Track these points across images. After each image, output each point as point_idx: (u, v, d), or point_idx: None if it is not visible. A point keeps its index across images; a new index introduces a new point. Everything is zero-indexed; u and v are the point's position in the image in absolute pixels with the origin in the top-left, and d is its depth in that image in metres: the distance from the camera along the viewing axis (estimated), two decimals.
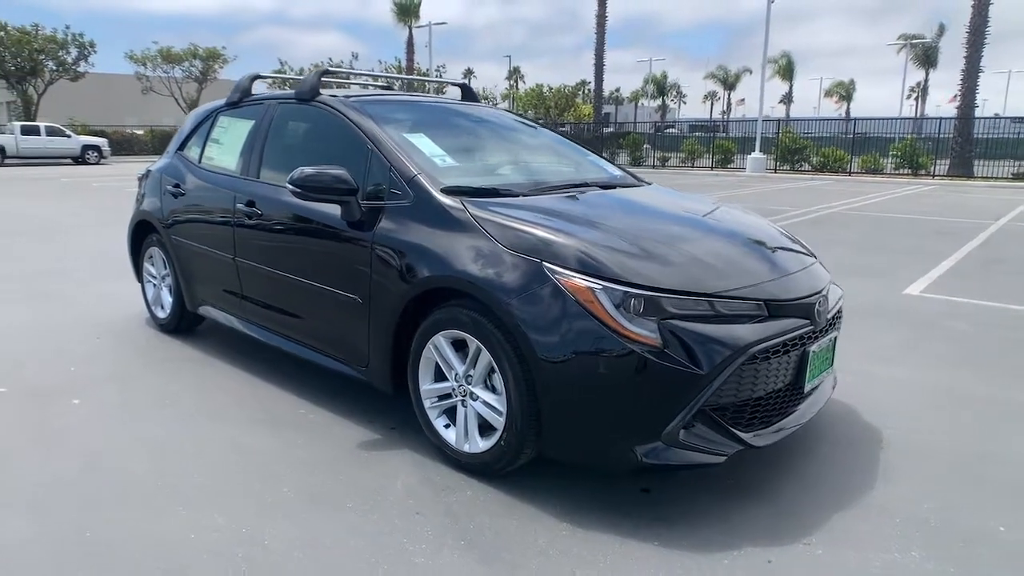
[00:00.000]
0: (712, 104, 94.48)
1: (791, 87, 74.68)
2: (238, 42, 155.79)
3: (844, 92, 75.25)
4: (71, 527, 2.36)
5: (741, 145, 28.67)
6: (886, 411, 3.38)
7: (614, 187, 3.49)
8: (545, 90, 67.29)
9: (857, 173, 24.11)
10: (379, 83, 5.18)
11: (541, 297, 2.37)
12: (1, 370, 3.87)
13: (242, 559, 2.18)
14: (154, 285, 4.65)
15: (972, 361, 4.18)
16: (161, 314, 4.59)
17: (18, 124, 26.71)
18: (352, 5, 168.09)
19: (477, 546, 2.27)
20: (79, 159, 26.90)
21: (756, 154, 25.46)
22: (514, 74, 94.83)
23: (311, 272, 3.23)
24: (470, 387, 2.64)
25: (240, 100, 4.11)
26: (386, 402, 3.29)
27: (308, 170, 2.93)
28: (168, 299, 4.47)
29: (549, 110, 64.59)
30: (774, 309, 2.48)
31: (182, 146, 4.44)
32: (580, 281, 2.33)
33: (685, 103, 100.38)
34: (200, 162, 4.20)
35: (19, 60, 30.67)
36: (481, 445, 2.62)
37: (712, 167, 27.62)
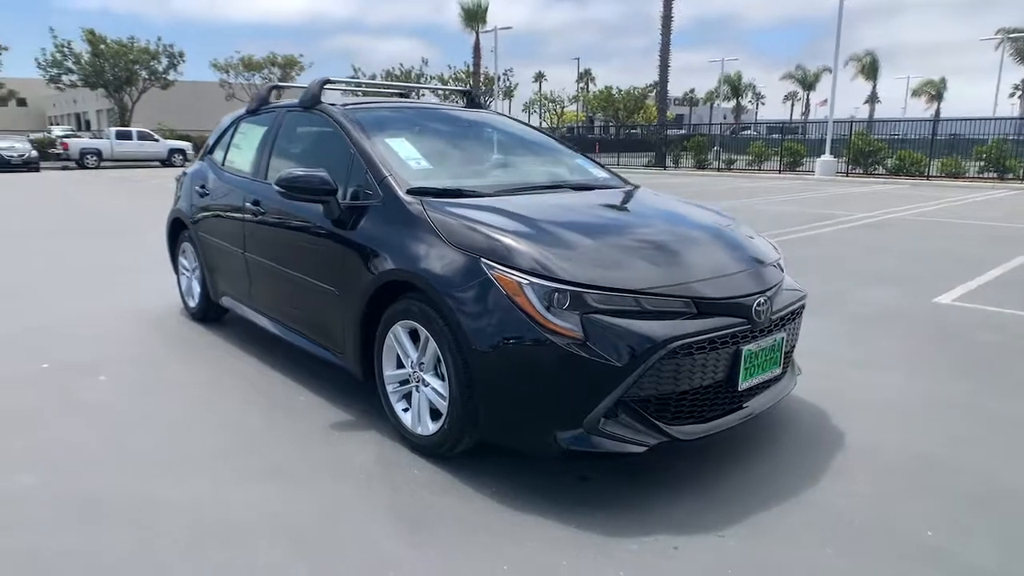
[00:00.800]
0: (792, 105, 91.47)
1: (875, 87, 71.32)
2: (317, 49, 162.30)
3: (934, 91, 71.22)
4: (71, 484, 2.70)
5: (813, 148, 27.72)
6: (858, 416, 3.36)
7: (590, 188, 3.62)
8: (614, 92, 66.89)
9: (936, 177, 22.90)
10: (392, 91, 5.45)
11: (476, 290, 2.54)
12: (49, 348, 4.35)
13: (205, 517, 2.46)
14: (187, 277, 5.07)
15: (978, 372, 4.05)
16: (191, 304, 5.01)
17: (113, 129, 28.82)
18: (425, 11, 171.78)
19: (409, 518, 2.47)
20: (166, 162, 28.76)
21: (826, 157, 24.59)
22: (584, 76, 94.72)
23: (300, 265, 3.51)
24: (422, 374, 2.84)
25: (258, 108, 4.45)
26: (369, 387, 3.53)
27: (292, 172, 3.21)
28: (197, 290, 4.87)
29: (618, 112, 64.17)
30: (704, 307, 2.56)
31: (211, 150, 4.84)
32: (509, 276, 2.49)
33: (763, 104, 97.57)
34: (223, 165, 4.57)
35: (117, 70, 33.06)
36: (431, 428, 2.82)
37: (780, 170, 26.83)
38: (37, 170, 25.69)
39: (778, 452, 3.00)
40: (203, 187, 4.64)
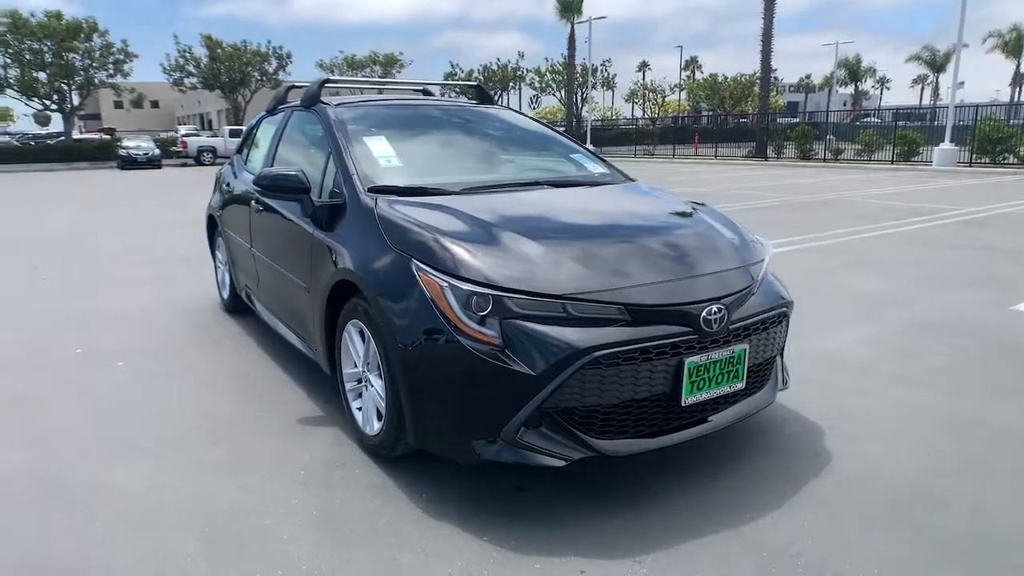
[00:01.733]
0: (921, 90, 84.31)
1: (1019, 66, 64.32)
2: (422, 47, 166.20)
3: None
4: (43, 465, 2.89)
5: (936, 135, 25.32)
6: (866, 440, 3.03)
7: (573, 185, 3.47)
8: (720, 79, 64.25)
9: None
10: (396, 88, 5.46)
11: (405, 291, 2.49)
12: (93, 335, 4.70)
13: (138, 503, 2.57)
14: (220, 270, 5.33)
15: None
16: (224, 296, 5.26)
17: (226, 128, 30.92)
18: (529, 5, 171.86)
19: (325, 515, 2.47)
20: None
21: (945, 145, 22.43)
22: (691, 64, 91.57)
23: (285, 262, 3.60)
24: (368, 374, 2.82)
25: (275, 108, 4.59)
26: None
27: (269, 170, 3.29)
28: (228, 282, 5.11)
29: (724, 101, 61.63)
30: (639, 314, 2.38)
31: (239, 149, 5.05)
32: (432, 277, 2.42)
33: (888, 89, 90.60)
34: (245, 163, 4.76)
35: (231, 72, 35.39)
36: (375, 428, 2.80)
37: (892, 160, 24.80)
38: (159, 167, 28.00)
39: (746, 474, 2.75)
40: (228, 184, 4.85)
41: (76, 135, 35.64)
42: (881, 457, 2.86)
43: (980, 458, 2.85)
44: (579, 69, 42.49)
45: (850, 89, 77.05)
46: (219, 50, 34.89)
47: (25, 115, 32.72)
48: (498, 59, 46.70)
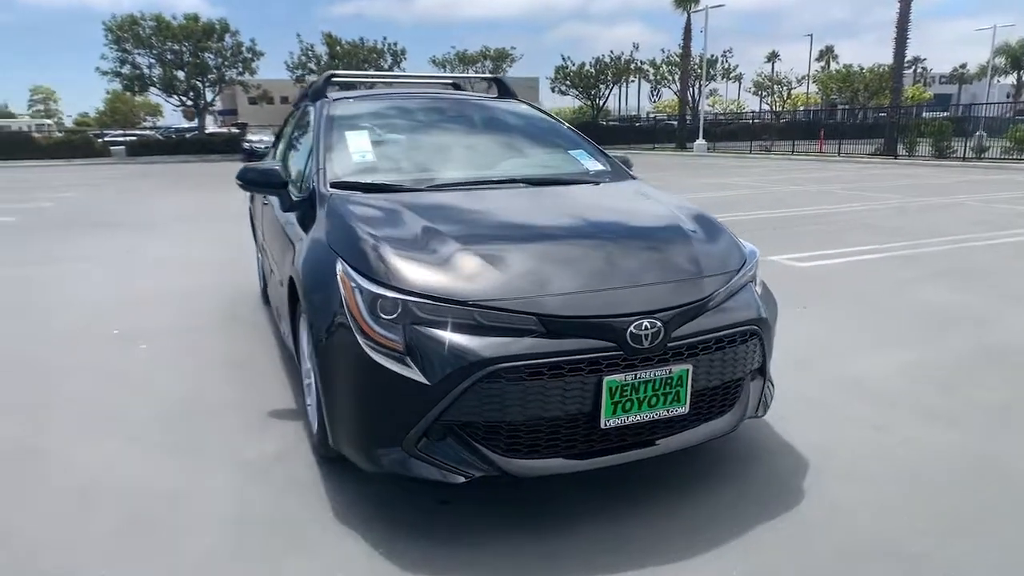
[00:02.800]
0: None
1: None
2: (541, 41, 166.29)
3: None
4: (33, 436, 3.11)
5: None
6: (846, 476, 2.67)
7: (556, 184, 3.29)
8: (855, 70, 59.81)
9: None
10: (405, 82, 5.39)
11: (329, 291, 2.43)
12: (135, 315, 5.06)
13: (83, 479, 2.69)
14: (259, 261, 5.55)
15: None
16: (260, 285, 5.47)
17: None
18: None
19: (241, 510, 2.48)
20: None
21: None
22: (825, 54, 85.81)
23: (274, 255, 3.66)
24: (312, 370, 2.80)
25: (299, 101, 4.68)
26: None
27: (249, 165, 3.34)
28: (260, 273, 5.31)
29: (858, 93, 57.29)
30: (553, 326, 2.18)
31: (275, 143, 5.22)
32: (348, 278, 2.35)
33: None
34: (274, 157, 4.90)
35: (349, 69, 37.09)
36: (315, 426, 2.77)
37: None
38: None
39: (700, 506, 2.48)
40: None
41: (213, 129, 38.78)
42: (860, 504, 2.48)
43: (979, 518, 2.41)
44: (696, 60, 40.90)
45: (1012, 79, 69.05)
46: (338, 47, 36.67)
47: (175, 110, 35.92)
48: (611, 51, 45.79)
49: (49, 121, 60.97)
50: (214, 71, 33.63)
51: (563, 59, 45.54)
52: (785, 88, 62.55)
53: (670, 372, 2.29)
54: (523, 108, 4.16)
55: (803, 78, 64.58)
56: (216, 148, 31.89)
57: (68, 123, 71.33)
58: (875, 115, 39.75)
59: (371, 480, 2.62)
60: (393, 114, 3.81)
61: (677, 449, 2.41)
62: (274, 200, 3.62)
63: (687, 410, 2.36)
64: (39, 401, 3.51)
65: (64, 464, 2.84)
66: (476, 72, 41.36)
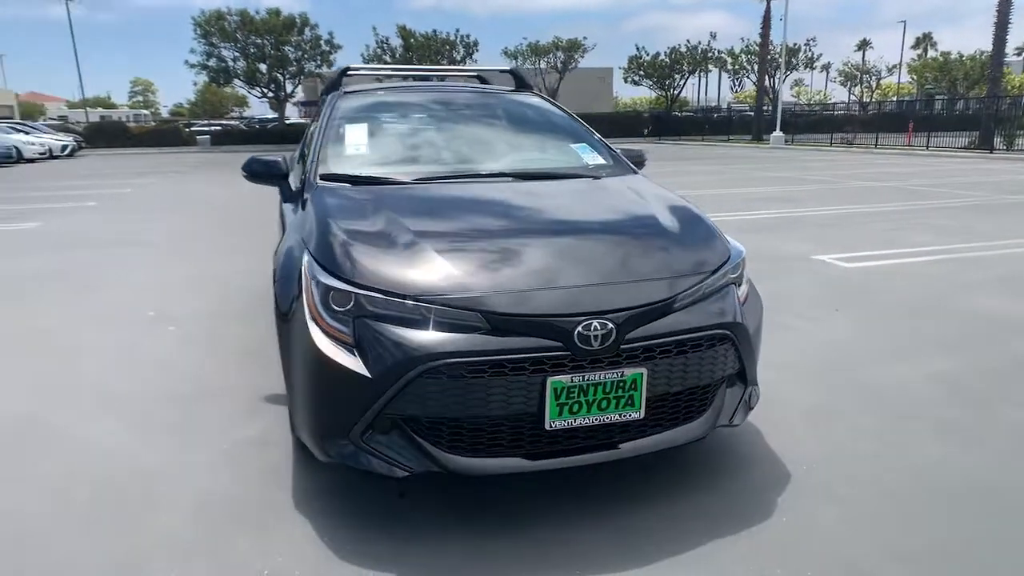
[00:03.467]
0: None
1: None
2: (621, 30, 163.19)
3: None
4: (45, 409, 3.32)
5: None
6: (824, 493, 2.51)
7: (545, 178, 3.24)
8: (954, 58, 56.08)
9: None
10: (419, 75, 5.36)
11: (291, 280, 2.49)
12: (172, 299, 5.32)
13: (72, 449, 2.86)
14: None
15: None
16: None
17: None
18: None
19: (211, 492, 2.57)
20: None
21: None
22: (922, 41, 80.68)
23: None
24: None
25: (323, 96, 4.78)
26: None
27: (255, 156, 3.44)
28: None
29: (956, 83, 53.67)
30: (498, 323, 2.15)
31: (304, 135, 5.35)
32: (308, 269, 2.38)
33: None
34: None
35: (422, 61, 37.66)
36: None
37: None
38: None
39: (647, 515, 2.40)
40: None
41: (294, 119, 40.21)
42: (832, 524, 2.33)
43: (967, 545, 2.21)
44: (776, 49, 39.30)
45: None
46: (411, 40, 37.27)
47: (261, 100, 37.58)
48: (687, 40, 44.59)
49: (146, 111, 64.90)
50: (294, 64, 34.85)
51: (637, 49, 44.74)
52: (874, 78, 59.28)
53: (622, 375, 2.22)
54: (534, 101, 4.10)
55: (894, 67, 61.01)
56: (294, 137, 32.91)
57: (164, 113, 75.73)
58: (972, 106, 37.08)
59: (336, 468, 2.67)
60: (398, 108, 3.83)
61: (633, 455, 2.33)
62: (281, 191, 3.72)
63: (642, 415, 2.28)
64: (58, 382, 3.74)
65: (64, 439, 3.02)
66: (547, 64, 41.18)
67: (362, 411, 2.18)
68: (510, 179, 3.17)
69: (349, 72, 4.18)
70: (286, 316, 2.44)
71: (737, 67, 46.14)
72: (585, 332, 2.15)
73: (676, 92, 45.80)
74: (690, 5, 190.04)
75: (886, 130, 30.47)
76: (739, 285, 2.60)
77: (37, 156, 24.45)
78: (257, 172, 3.40)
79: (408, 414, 2.18)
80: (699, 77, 50.28)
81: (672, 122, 40.92)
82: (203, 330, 4.55)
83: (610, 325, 2.18)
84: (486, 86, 4.39)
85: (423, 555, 2.19)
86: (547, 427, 2.19)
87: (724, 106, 52.53)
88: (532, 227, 2.66)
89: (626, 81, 44.78)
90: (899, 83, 60.57)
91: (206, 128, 37.40)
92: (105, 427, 3.12)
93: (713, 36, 48.50)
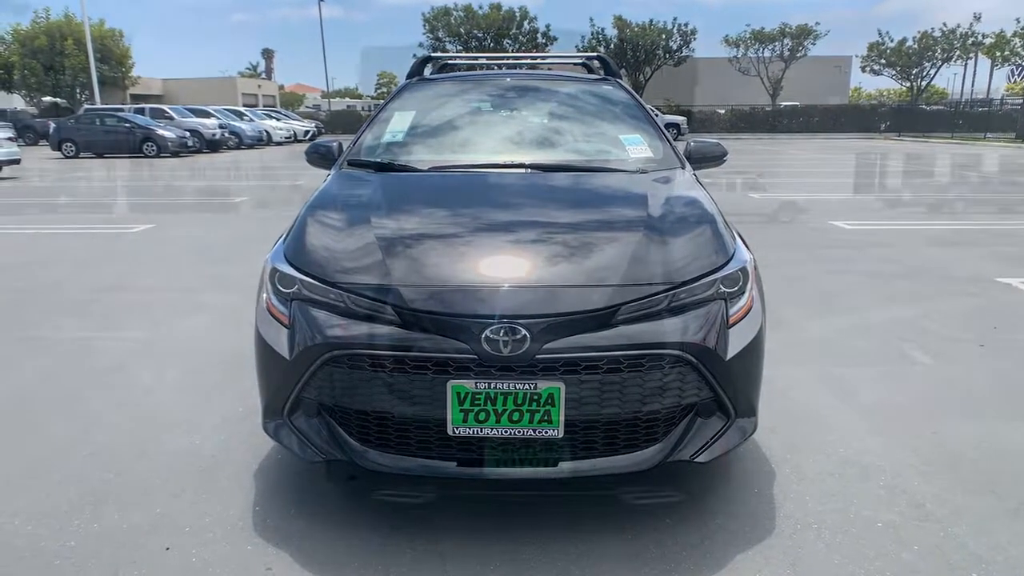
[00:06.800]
0: None
1: None
2: (869, 15, 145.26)
3: None
4: (72, 381, 3.64)
5: None
6: (797, 539, 2.06)
7: (569, 171, 3.03)
8: None
9: None
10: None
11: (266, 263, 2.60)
12: (226, 288, 5.46)
13: (102, 428, 3.09)
14: None
15: None
16: None
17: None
18: None
19: (207, 466, 2.70)
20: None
21: None
22: None
23: None
24: None
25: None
26: None
27: (319, 141, 3.66)
28: None
29: None
30: (408, 318, 2.06)
31: None
32: (273, 250, 2.49)
33: None
34: None
35: (636, 52, 37.07)
36: None
37: None
38: None
39: (598, 541, 2.14)
40: None
41: None
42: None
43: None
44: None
45: None
46: (627, 30, 36.83)
47: None
48: (944, 24, 38.53)
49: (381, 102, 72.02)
50: None
51: (879, 34, 39.71)
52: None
53: (535, 388, 2.01)
54: (606, 89, 3.82)
55: None
56: None
57: None
58: None
59: (299, 465, 2.64)
60: (458, 95, 3.80)
61: (552, 478, 2.11)
62: None
63: (560, 434, 2.05)
64: (90, 364, 3.83)
65: (85, 400, 3.32)
66: (772, 52, 38.21)
67: (287, 392, 2.23)
68: (527, 171, 3.02)
69: (430, 60, 4.24)
70: (257, 300, 2.53)
71: (1005, 54, 38.79)
72: (494, 337, 1.98)
73: (925, 82, 39.94)
74: None
75: None
76: (734, 300, 2.23)
77: (283, 139, 28.64)
78: (312, 153, 3.58)
79: (325, 400, 2.19)
80: (964, 66, 43.18)
81: (917, 116, 35.84)
82: (239, 315, 4.88)
83: (523, 332, 1.98)
84: (562, 74, 4.20)
85: (339, 542, 2.18)
86: (450, 432, 2.07)
87: (997, 99, 44.65)
88: (493, 223, 2.50)
89: (864, 70, 40.00)
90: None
91: None
92: (111, 397, 3.50)
93: (977, 17, 41.14)
